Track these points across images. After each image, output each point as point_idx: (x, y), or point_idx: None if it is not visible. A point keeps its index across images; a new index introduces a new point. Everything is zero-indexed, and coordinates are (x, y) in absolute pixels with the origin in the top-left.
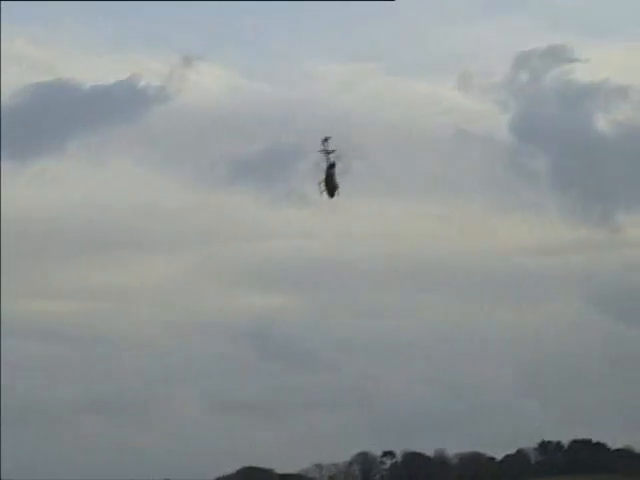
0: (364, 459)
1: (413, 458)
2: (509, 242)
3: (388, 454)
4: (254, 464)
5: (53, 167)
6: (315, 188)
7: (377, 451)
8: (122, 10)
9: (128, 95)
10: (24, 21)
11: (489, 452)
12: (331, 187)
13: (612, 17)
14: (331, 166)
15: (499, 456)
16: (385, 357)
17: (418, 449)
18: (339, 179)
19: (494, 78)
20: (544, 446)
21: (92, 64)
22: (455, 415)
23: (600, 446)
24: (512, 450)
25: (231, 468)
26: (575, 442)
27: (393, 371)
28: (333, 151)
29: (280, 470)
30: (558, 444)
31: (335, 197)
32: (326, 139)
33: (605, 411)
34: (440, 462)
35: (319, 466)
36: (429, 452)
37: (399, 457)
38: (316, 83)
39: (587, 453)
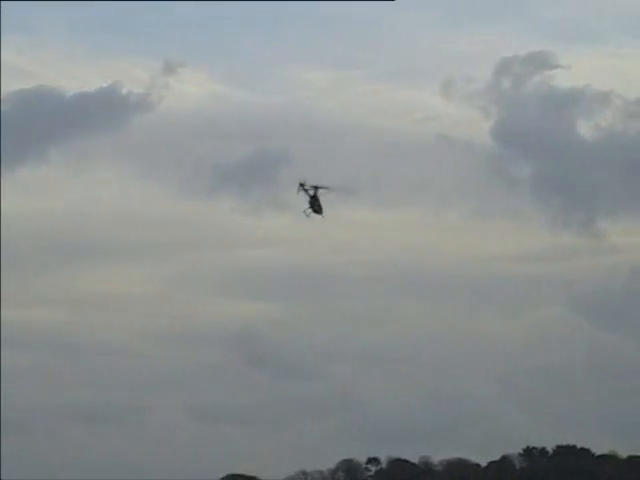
0: (349, 466)
1: (398, 465)
2: (491, 249)
3: (373, 460)
4: (239, 471)
5: (35, 175)
6: (298, 196)
7: (362, 458)
8: (104, 17)
9: (110, 102)
10: (5, 29)
11: (474, 458)
12: (316, 208)
13: (593, 23)
14: (314, 196)
15: (484, 462)
16: (370, 364)
17: (403, 456)
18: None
19: (476, 84)
20: (529, 452)
21: (74, 71)
22: (440, 421)
23: (585, 452)
24: (497, 456)
25: (215, 476)
26: (560, 448)
27: (378, 378)
28: (310, 188)
29: (265, 477)
30: (543, 450)
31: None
32: (302, 184)
33: (589, 417)
34: (425, 468)
35: (304, 473)
36: (414, 459)
37: (384, 464)
38: (299, 90)
39: (572, 459)
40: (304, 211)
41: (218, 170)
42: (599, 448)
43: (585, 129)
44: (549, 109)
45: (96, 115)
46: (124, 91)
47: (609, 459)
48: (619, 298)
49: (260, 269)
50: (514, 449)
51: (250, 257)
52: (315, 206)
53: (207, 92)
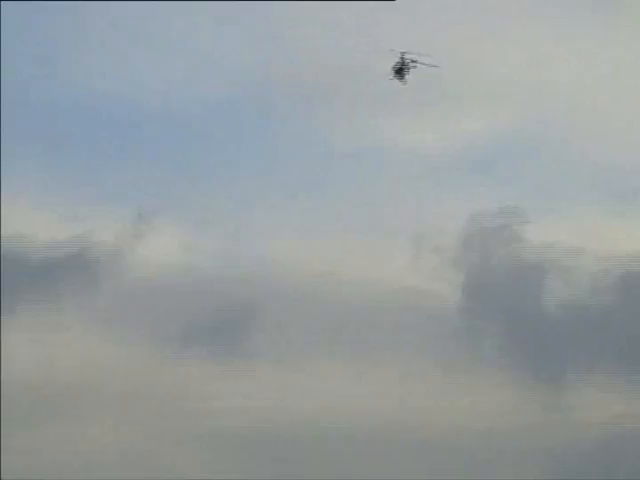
0: None
1: None
2: (460, 426)
3: None
4: None
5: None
6: None
7: None
8: (74, 166)
9: (79, 253)
10: None
11: None
12: (401, 74)
13: (563, 181)
14: (403, 63)
15: None
16: None
17: None
18: None
19: (446, 247)
20: None
21: (43, 221)
22: None
23: None
24: None
25: None
26: None
27: None
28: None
29: None
30: None
31: (405, 79)
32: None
33: None
34: None
35: None
36: None
37: None
38: (271, 243)
39: None
40: (391, 72)
41: (188, 325)
42: None
43: (556, 286)
44: (519, 267)
45: (64, 266)
46: (94, 241)
47: None
48: (591, 473)
49: (229, 424)
50: None
51: (217, 412)
52: (401, 70)
53: (179, 243)
